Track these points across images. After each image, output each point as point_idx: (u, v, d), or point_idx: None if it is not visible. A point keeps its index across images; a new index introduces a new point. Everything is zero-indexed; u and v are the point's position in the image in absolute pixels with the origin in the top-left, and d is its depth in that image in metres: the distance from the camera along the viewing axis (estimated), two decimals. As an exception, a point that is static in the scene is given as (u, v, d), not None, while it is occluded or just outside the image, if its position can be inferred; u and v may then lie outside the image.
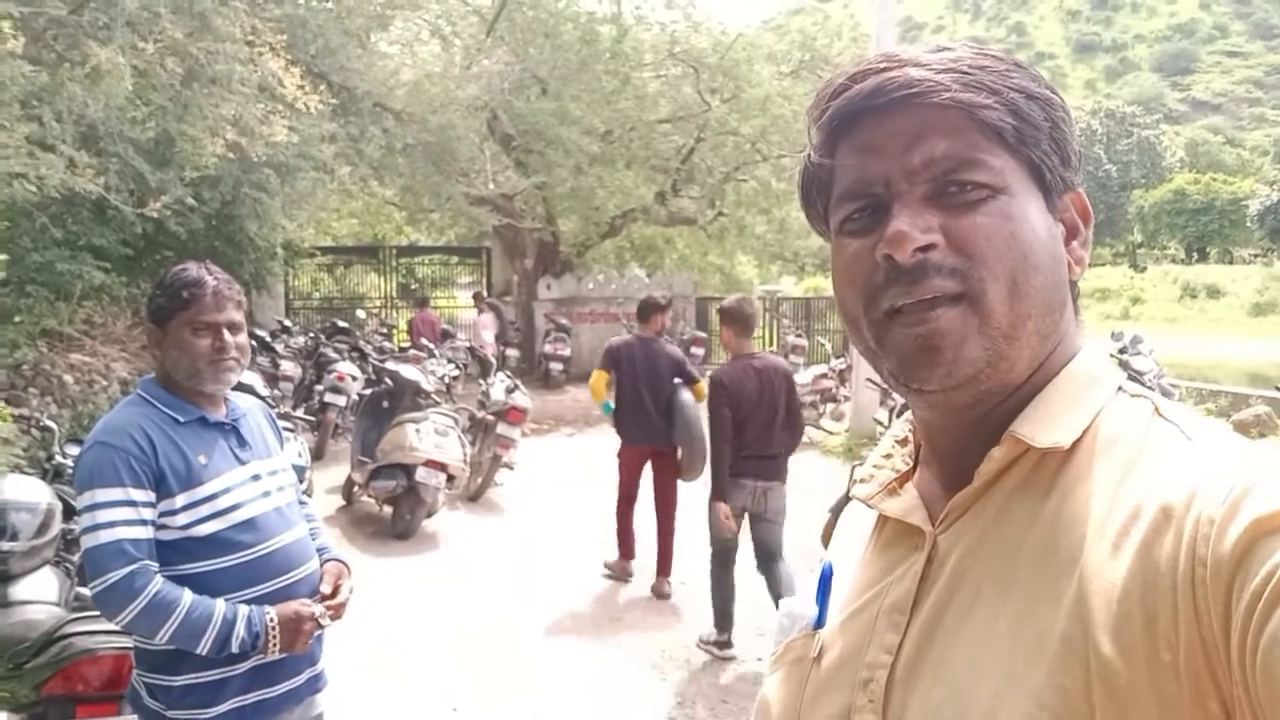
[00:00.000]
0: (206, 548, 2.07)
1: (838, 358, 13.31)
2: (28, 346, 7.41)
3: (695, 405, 5.96)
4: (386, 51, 14.78)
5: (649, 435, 6.02)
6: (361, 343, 12.57)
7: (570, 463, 9.88)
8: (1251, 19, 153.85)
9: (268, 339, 10.93)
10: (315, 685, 2.28)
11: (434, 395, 8.45)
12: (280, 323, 13.65)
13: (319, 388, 10.15)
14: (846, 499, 0.93)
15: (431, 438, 7.14)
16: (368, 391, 8.89)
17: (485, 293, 18.52)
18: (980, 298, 0.70)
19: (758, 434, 4.88)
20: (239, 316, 2.17)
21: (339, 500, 8.02)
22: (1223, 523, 0.59)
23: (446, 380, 10.61)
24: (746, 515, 4.98)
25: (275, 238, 11.73)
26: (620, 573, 6.27)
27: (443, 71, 14.84)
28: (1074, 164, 0.77)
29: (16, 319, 7.42)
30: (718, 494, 4.89)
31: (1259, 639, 0.54)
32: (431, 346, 12.17)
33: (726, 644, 5.02)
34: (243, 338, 2.18)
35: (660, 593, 5.94)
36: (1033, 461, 0.71)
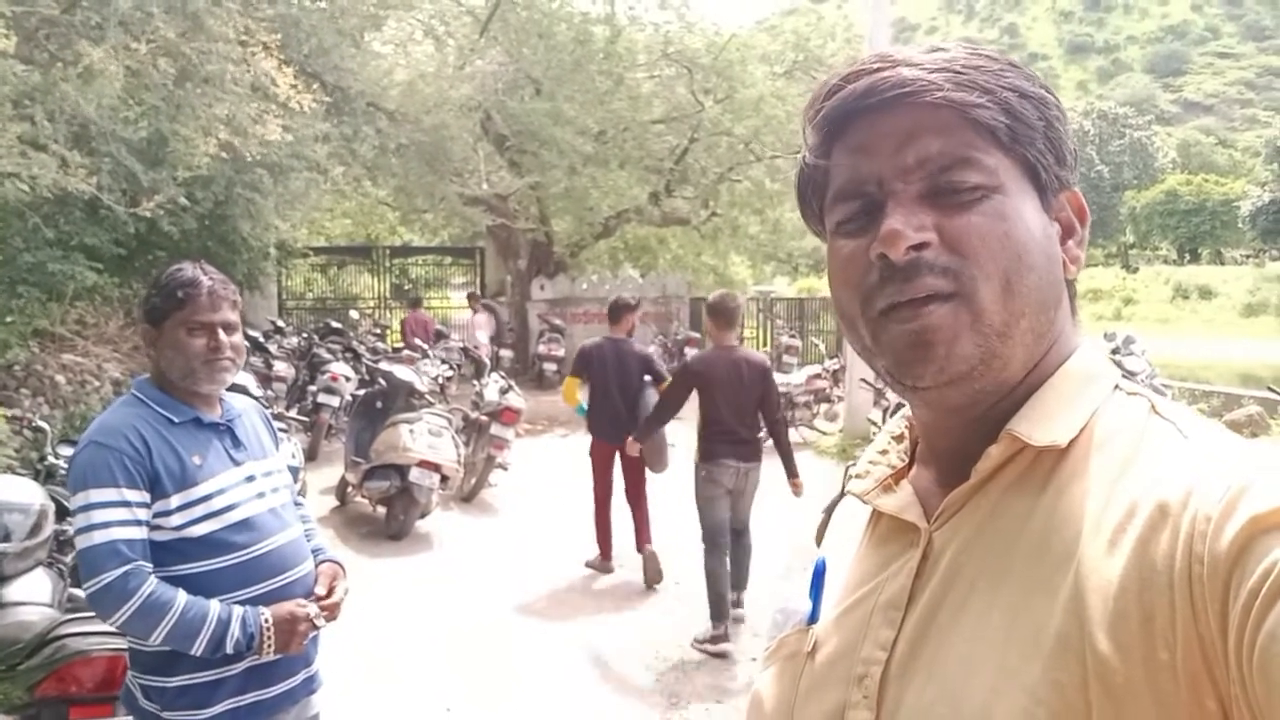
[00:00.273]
0: (201, 548, 2.06)
1: (831, 358, 13.34)
2: (20, 347, 7.39)
3: (655, 397, 6.24)
4: (380, 51, 14.78)
5: (617, 432, 6.25)
6: (355, 343, 12.53)
7: (564, 463, 9.84)
8: (1243, 20, 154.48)
9: (261, 339, 10.89)
10: (310, 686, 2.28)
11: (428, 396, 8.45)
12: (273, 323, 13.59)
13: (312, 388, 10.13)
14: (841, 498, 0.93)
15: (425, 438, 7.13)
16: (361, 392, 8.88)
17: (479, 293, 18.50)
18: (972, 296, 0.70)
19: (730, 416, 5.21)
20: (234, 316, 2.17)
21: (333, 501, 8.00)
22: (1220, 520, 0.59)
23: (440, 381, 10.58)
24: (728, 493, 5.30)
25: (268, 238, 11.72)
26: (601, 569, 6.47)
27: (436, 71, 14.83)
28: (1070, 163, 0.77)
29: (8, 319, 7.40)
30: (639, 436, 5.80)
31: (1256, 636, 0.55)
32: (425, 347, 12.14)
33: (722, 637, 5.06)
34: (238, 338, 2.18)
35: (648, 556, 6.16)
36: (1029, 459, 0.71)
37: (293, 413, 8.87)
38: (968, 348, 0.70)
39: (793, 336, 16.49)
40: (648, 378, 6.41)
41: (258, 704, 2.13)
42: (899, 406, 0.84)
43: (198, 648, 2.00)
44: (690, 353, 15.75)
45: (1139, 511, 0.63)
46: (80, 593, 2.83)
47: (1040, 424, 0.71)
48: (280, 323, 14.10)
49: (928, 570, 0.73)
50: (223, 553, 2.08)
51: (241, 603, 2.07)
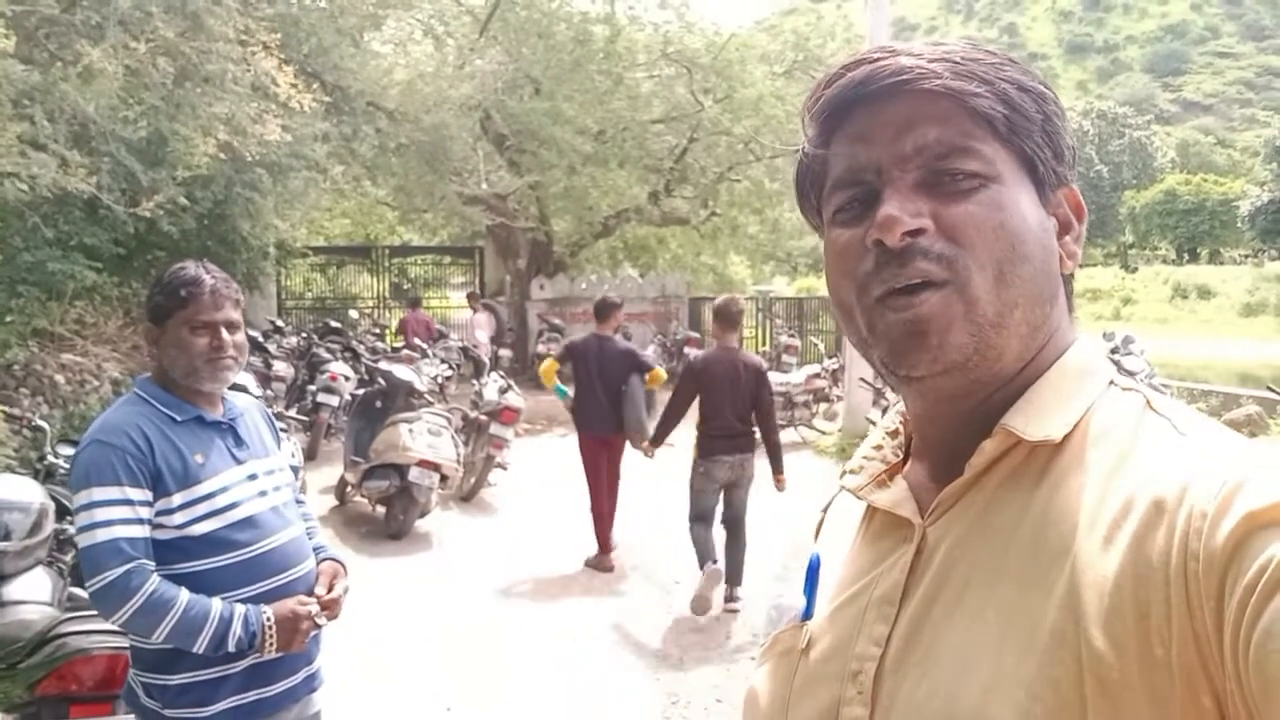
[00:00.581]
0: (203, 547, 2.07)
1: (830, 357, 13.34)
2: (19, 346, 7.39)
3: (641, 386, 6.61)
4: (380, 51, 14.78)
5: (602, 425, 6.52)
6: (354, 343, 12.53)
7: (563, 463, 9.82)
8: (1243, 20, 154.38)
9: (260, 339, 10.89)
10: (312, 684, 2.28)
11: (427, 395, 8.45)
12: (273, 323, 13.59)
13: (312, 388, 10.13)
14: (837, 495, 0.93)
15: (424, 438, 7.14)
16: (360, 392, 8.87)
17: (479, 293, 18.49)
18: (966, 285, 0.70)
19: (727, 414, 5.53)
20: (236, 315, 2.17)
21: (332, 500, 8.00)
22: (1215, 517, 0.59)
23: (439, 380, 10.59)
24: (722, 487, 5.63)
25: (268, 237, 11.71)
26: (599, 566, 6.50)
27: (436, 71, 14.83)
28: (1068, 160, 0.77)
29: (8, 318, 7.40)
30: (655, 440, 6.05)
31: (1251, 633, 0.55)
32: (425, 346, 12.14)
33: (716, 574, 5.46)
34: (240, 336, 2.18)
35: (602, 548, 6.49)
36: (1023, 454, 0.71)
37: (292, 412, 8.87)
38: (961, 337, 0.70)
39: (792, 336, 16.48)
40: (636, 371, 6.61)
41: (260, 702, 2.13)
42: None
43: (200, 646, 2.00)
44: (690, 352, 15.77)
45: (1134, 507, 0.63)
46: (81, 591, 2.84)
47: (1035, 419, 0.71)
48: (279, 322, 14.10)
49: (922, 565, 0.73)
50: (225, 551, 2.09)
51: (243, 601, 2.07)
